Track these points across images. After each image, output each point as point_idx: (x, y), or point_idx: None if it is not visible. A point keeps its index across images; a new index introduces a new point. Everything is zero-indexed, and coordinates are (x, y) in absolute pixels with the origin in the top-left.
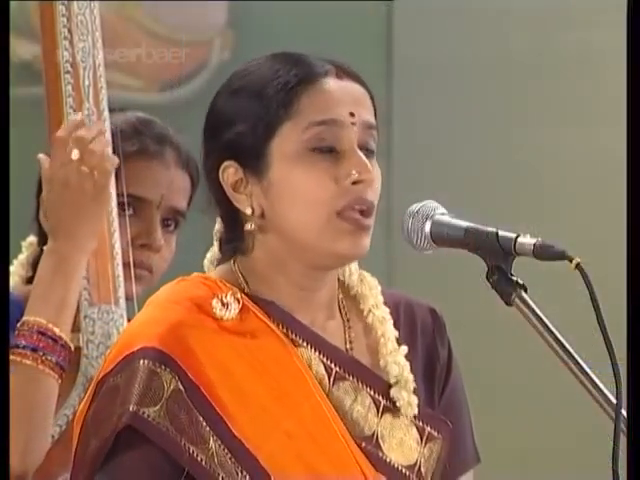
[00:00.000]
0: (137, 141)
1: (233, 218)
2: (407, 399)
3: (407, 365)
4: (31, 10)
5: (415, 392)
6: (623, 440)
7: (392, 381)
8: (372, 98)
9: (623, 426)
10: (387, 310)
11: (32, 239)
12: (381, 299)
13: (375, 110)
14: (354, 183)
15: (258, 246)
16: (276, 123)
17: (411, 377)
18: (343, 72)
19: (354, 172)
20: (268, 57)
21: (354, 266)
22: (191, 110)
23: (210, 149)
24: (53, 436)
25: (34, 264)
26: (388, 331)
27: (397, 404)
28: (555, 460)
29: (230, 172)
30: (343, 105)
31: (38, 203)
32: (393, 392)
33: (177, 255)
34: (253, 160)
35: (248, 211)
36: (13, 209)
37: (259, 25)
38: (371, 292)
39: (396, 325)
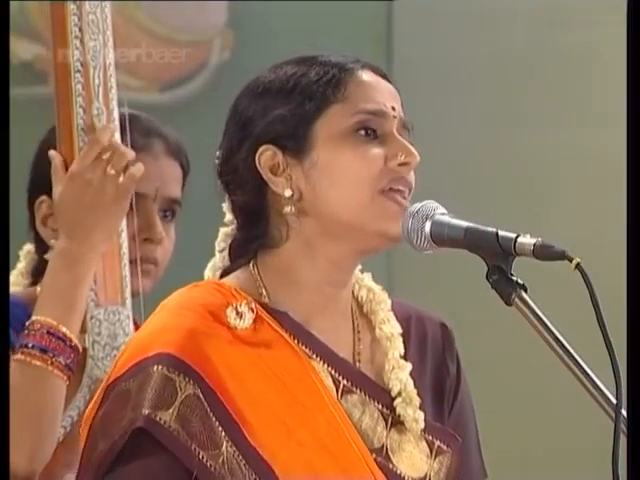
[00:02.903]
0: (124, 138)
1: (260, 210)
2: (413, 415)
3: (410, 381)
4: (31, 10)
5: (421, 407)
6: (623, 440)
7: (396, 398)
8: (402, 99)
9: (623, 426)
10: (397, 325)
11: (29, 247)
12: (391, 314)
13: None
14: (400, 165)
15: (293, 235)
16: (323, 105)
17: (415, 392)
18: (376, 70)
19: (401, 154)
20: (286, 61)
21: (365, 280)
22: (191, 110)
23: (242, 138)
24: (58, 438)
25: (34, 272)
26: (394, 347)
27: (404, 422)
28: (555, 460)
29: (268, 155)
30: (386, 98)
31: (32, 212)
32: (399, 409)
33: (177, 254)
34: (294, 142)
35: (287, 193)
36: (12, 209)
37: (259, 25)
38: (380, 307)
39: (407, 339)
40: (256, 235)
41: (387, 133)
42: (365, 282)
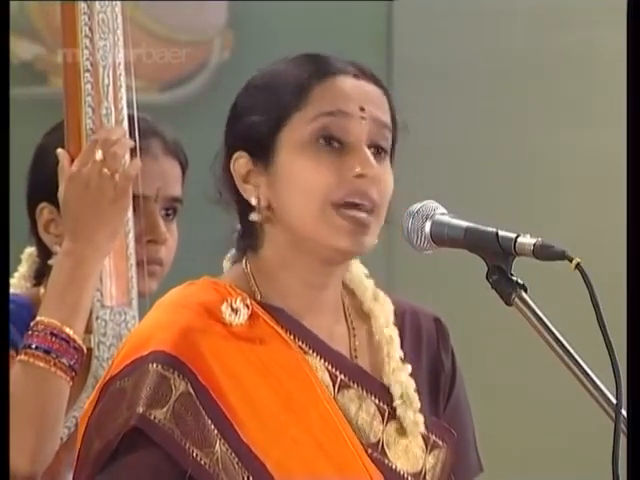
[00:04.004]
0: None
1: (244, 212)
2: (413, 418)
3: (411, 383)
4: (31, 10)
5: (421, 410)
6: (623, 440)
7: (397, 400)
8: (390, 102)
9: (623, 426)
10: (396, 331)
11: (31, 250)
12: (392, 318)
13: (393, 114)
14: (356, 177)
15: (267, 241)
16: (286, 114)
17: (416, 396)
18: (362, 74)
19: (357, 166)
20: (293, 57)
21: (370, 283)
22: (191, 110)
23: (225, 140)
24: (62, 438)
25: (37, 275)
26: (393, 350)
27: (403, 424)
28: (555, 460)
29: (241, 163)
30: (353, 100)
31: (32, 218)
32: (399, 411)
33: (179, 254)
34: (262, 150)
35: (253, 201)
36: (13, 210)
37: (259, 25)
38: (383, 310)
39: (401, 334)
40: (242, 235)
41: (353, 143)
42: (371, 286)
